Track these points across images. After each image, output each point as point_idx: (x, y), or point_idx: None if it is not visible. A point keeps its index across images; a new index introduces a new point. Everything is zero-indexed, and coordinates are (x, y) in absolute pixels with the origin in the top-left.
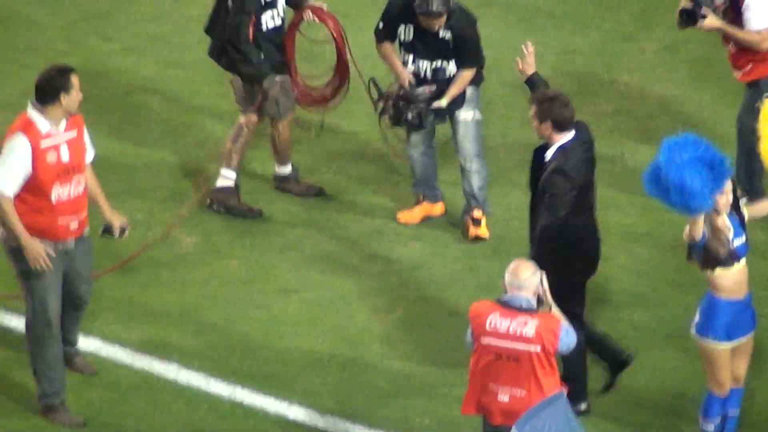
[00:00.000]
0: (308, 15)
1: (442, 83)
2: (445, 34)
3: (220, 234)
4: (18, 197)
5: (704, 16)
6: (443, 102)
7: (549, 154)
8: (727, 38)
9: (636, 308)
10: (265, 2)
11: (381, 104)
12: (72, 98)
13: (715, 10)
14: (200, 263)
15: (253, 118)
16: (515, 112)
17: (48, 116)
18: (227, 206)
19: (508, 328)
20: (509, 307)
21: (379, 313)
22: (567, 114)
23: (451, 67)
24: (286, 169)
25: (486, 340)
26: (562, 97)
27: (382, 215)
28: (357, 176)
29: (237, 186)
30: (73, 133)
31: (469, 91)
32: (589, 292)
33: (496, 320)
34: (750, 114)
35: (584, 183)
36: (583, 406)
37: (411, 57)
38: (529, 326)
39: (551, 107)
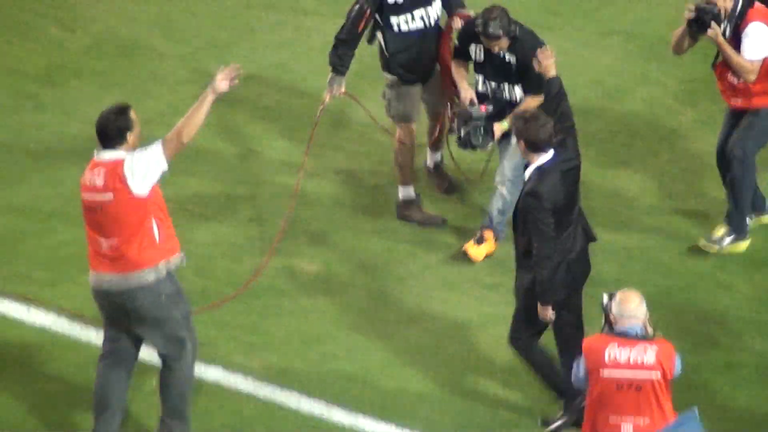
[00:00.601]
0: (456, 23)
1: (501, 104)
2: (511, 57)
3: (341, 263)
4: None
5: (712, 19)
6: (505, 124)
7: (527, 174)
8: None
9: (757, 336)
10: (396, 4)
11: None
12: (137, 134)
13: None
14: (322, 292)
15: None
16: (636, 141)
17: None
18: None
19: (629, 357)
20: (627, 336)
21: (501, 342)
22: (542, 135)
23: (517, 91)
24: (410, 192)
25: (606, 373)
26: (541, 117)
27: (503, 245)
28: (479, 204)
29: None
30: None
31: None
32: (708, 320)
33: (615, 351)
34: (741, 139)
35: (563, 204)
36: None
37: (481, 78)
38: (648, 354)
39: (526, 128)
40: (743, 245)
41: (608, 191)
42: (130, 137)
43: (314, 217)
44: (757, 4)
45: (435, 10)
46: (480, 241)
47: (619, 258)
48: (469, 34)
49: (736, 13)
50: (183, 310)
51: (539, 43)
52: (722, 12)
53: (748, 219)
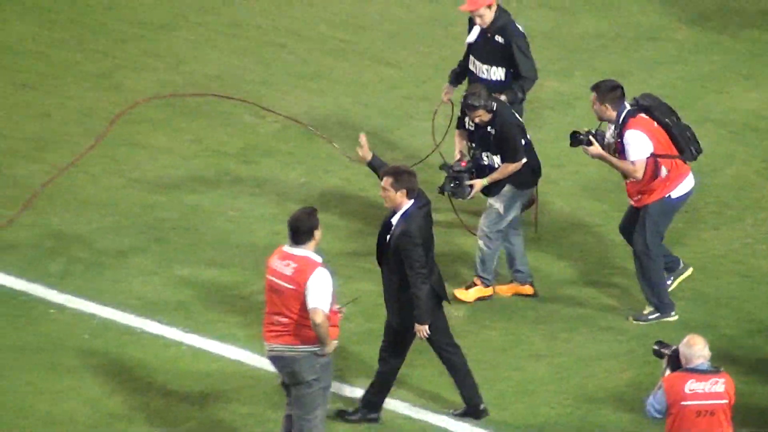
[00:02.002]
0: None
1: (480, 166)
2: (491, 130)
3: (483, 309)
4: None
5: (589, 143)
6: (484, 181)
7: (394, 220)
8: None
9: None
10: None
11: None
12: (320, 233)
13: (607, 147)
14: (466, 333)
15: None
16: (725, 209)
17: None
18: None
19: (704, 388)
20: (700, 372)
21: (612, 373)
22: (415, 183)
23: (495, 159)
24: None
25: (686, 403)
26: (411, 169)
27: (614, 292)
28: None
29: None
30: None
31: (507, 188)
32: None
33: (694, 385)
34: (641, 235)
35: (426, 240)
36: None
37: (473, 144)
38: (719, 384)
39: (408, 178)
40: (672, 318)
41: (700, 251)
42: (317, 234)
43: (460, 271)
44: (641, 115)
45: None
46: (470, 287)
47: (708, 305)
48: (462, 105)
49: (620, 122)
50: (325, 382)
51: (513, 121)
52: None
53: (668, 288)
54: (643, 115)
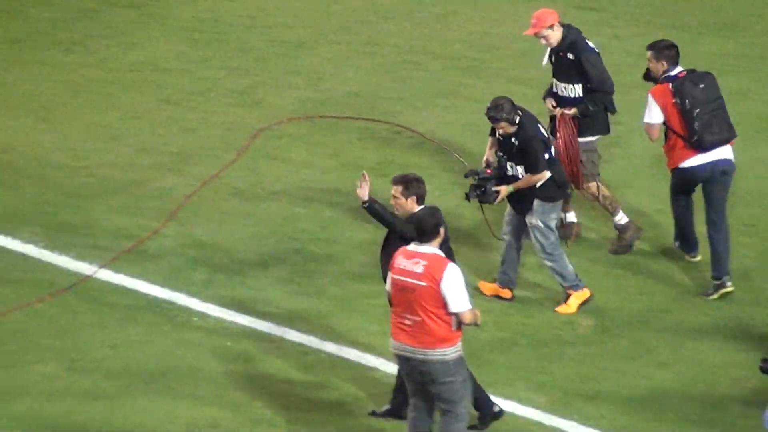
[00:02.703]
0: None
1: (505, 175)
2: (515, 141)
3: (612, 318)
4: None
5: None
6: (510, 188)
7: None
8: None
9: None
10: None
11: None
12: (444, 230)
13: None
14: (596, 342)
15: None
16: None
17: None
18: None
19: None
20: None
21: (738, 381)
22: (424, 190)
23: (519, 169)
24: (619, 218)
25: None
26: (419, 176)
27: (739, 301)
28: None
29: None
30: None
31: (536, 203)
32: None
33: None
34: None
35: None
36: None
37: (501, 153)
38: None
39: (417, 185)
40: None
41: None
42: (441, 231)
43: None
44: (668, 86)
45: None
46: (566, 299)
47: None
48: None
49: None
50: (462, 376)
51: (536, 135)
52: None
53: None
54: (670, 86)
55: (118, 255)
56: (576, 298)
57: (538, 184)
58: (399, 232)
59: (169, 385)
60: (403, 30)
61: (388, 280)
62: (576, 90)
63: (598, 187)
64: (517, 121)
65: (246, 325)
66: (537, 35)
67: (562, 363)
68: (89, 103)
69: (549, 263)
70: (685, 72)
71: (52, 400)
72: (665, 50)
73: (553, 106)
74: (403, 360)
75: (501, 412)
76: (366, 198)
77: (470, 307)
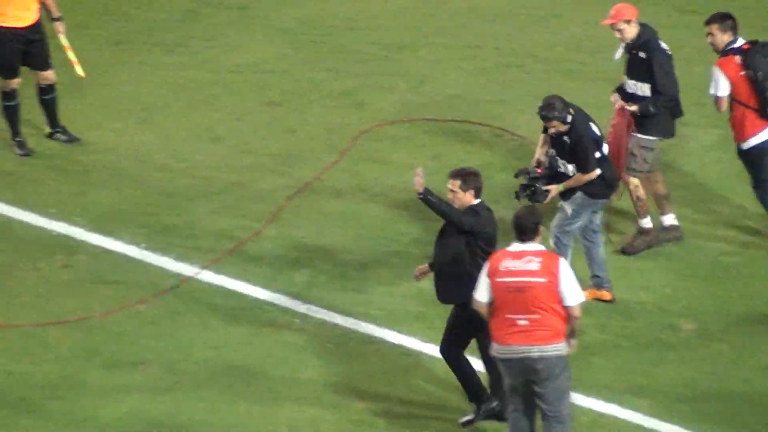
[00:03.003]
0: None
1: (557, 173)
2: (567, 139)
3: (714, 322)
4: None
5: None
6: (560, 187)
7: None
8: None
9: None
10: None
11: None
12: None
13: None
14: (697, 345)
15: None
16: None
17: None
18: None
19: None
20: None
21: None
22: (481, 183)
23: (570, 167)
24: (644, 222)
25: None
26: (477, 170)
27: None
28: None
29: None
30: None
31: (579, 194)
32: None
33: None
34: None
35: (493, 233)
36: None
37: (553, 151)
38: None
39: (475, 179)
40: None
41: None
42: (541, 229)
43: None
44: (735, 58)
45: None
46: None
47: None
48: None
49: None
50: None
51: (590, 134)
52: None
53: None
54: (737, 58)
55: (220, 256)
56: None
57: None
58: (456, 223)
59: (271, 386)
60: (505, 32)
61: (486, 288)
62: (644, 89)
63: (637, 186)
64: (569, 120)
65: (347, 327)
66: (613, 27)
67: (663, 366)
68: (191, 105)
69: (552, 243)
70: (749, 43)
71: (154, 401)
72: (730, 21)
73: (617, 101)
74: (513, 362)
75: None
76: (422, 190)
77: (583, 300)
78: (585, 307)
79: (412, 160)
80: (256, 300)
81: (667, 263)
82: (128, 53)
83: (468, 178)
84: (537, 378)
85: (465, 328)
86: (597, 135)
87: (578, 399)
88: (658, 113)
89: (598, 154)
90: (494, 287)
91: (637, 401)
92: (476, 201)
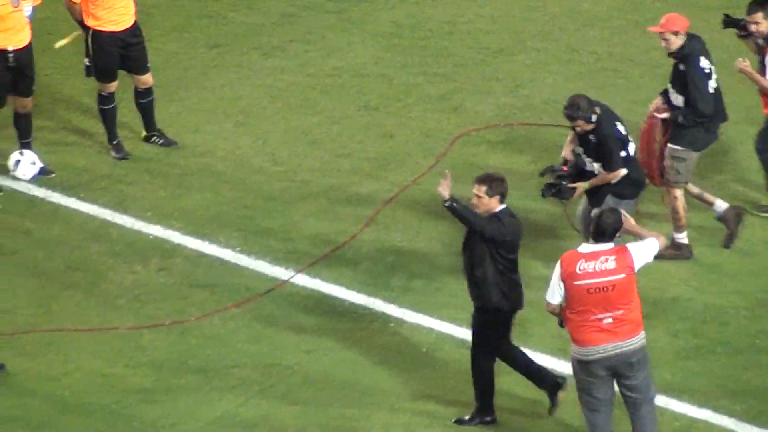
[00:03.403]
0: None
1: (582, 171)
2: (593, 138)
3: None
4: None
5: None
6: (586, 185)
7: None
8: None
9: None
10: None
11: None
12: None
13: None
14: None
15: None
16: None
17: None
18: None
19: None
20: None
21: None
22: (507, 189)
23: (595, 165)
24: (680, 237)
25: None
26: (502, 175)
27: None
28: None
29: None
30: None
31: (609, 198)
32: None
33: None
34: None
35: (515, 239)
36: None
37: (580, 149)
38: None
39: (501, 184)
40: None
41: None
42: (616, 234)
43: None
44: None
45: None
46: None
47: None
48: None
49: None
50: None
51: (615, 134)
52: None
53: None
54: None
55: (316, 260)
56: None
57: (613, 181)
58: (479, 232)
59: (364, 391)
60: (602, 37)
61: (559, 290)
62: (678, 100)
63: (676, 197)
64: (593, 119)
65: (442, 332)
66: (661, 35)
67: (758, 371)
68: (288, 108)
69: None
70: None
71: (248, 404)
72: None
73: (657, 105)
74: (602, 362)
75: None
76: (448, 197)
77: (658, 241)
78: (679, 312)
79: (509, 165)
80: (352, 304)
81: (760, 268)
82: (225, 56)
83: (494, 183)
84: (630, 372)
85: (484, 330)
86: (623, 134)
87: (671, 404)
88: (687, 125)
89: (623, 153)
90: (572, 290)
91: (730, 406)
92: (501, 207)
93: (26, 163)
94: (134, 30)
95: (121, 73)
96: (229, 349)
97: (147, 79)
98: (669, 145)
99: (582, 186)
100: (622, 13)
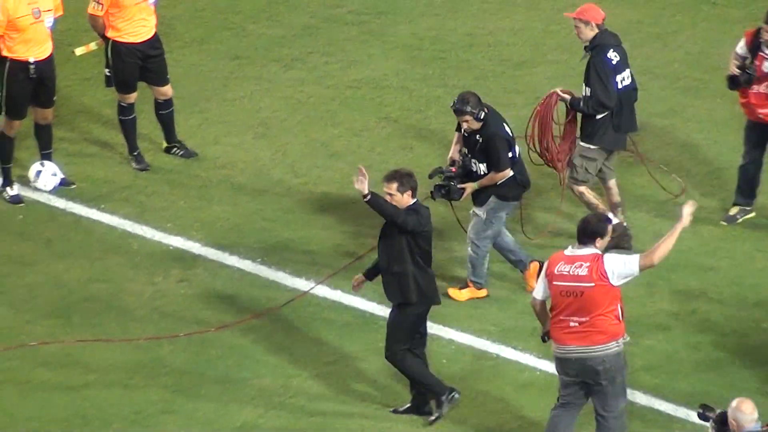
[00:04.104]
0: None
1: (469, 172)
2: (479, 138)
3: None
4: None
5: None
6: (475, 185)
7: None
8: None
9: None
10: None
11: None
12: (605, 242)
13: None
14: None
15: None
16: None
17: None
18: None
19: None
20: None
21: None
22: (416, 182)
23: (481, 166)
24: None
25: None
26: (410, 170)
27: None
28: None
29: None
30: None
31: (492, 199)
32: None
33: None
34: None
35: (427, 230)
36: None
37: (464, 148)
38: None
39: (410, 179)
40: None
41: None
42: (599, 242)
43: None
44: None
45: None
46: (463, 288)
47: None
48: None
49: None
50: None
51: (499, 132)
52: None
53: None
54: None
55: (335, 271)
56: (470, 293)
57: (500, 181)
58: (401, 224)
59: (387, 402)
60: None
61: (543, 287)
62: (587, 91)
63: (582, 192)
64: (482, 117)
65: (461, 343)
66: (573, 22)
67: None
68: (309, 120)
69: (470, 251)
70: None
71: (267, 415)
72: None
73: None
74: (570, 362)
75: (455, 397)
76: (366, 191)
77: (639, 261)
78: (698, 324)
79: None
80: (372, 315)
81: None
82: (246, 68)
83: (404, 179)
84: (597, 378)
85: (403, 326)
86: (509, 135)
87: (691, 416)
88: (586, 113)
89: (510, 154)
90: (551, 290)
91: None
92: (413, 200)
93: (47, 174)
94: (154, 42)
95: (142, 84)
96: (250, 360)
97: (166, 90)
98: (580, 143)
99: (471, 186)
100: (642, 26)
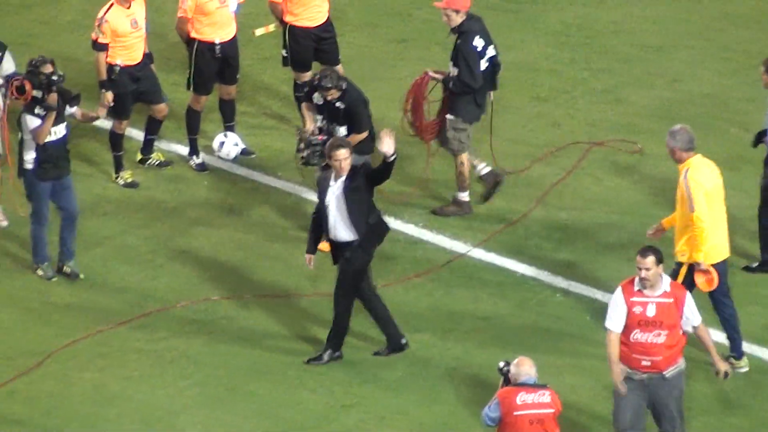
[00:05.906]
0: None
1: (330, 136)
2: (340, 105)
3: None
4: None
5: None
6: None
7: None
8: None
9: None
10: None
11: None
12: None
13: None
14: None
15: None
16: None
17: None
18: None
19: (533, 400)
20: (528, 385)
21: None
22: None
23: (342, 130)
24: (463, 195)
25: (519, 413)
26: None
27: None
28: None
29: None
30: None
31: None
32: None
33: (524, 397)
34: None
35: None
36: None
37: (320, 117)
38: (546, 396)
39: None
40: None
41: None
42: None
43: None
44: None
45: None
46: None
47: None
48: (313, 85)
49: None
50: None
51: (360, 97)
52: None
53: None
54: None
55: (490, 235)
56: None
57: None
58: (389, 176)
59: (532, 355)
60: (755, 37)
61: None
62: (454, 71)
63: (462, 162)
64: (344, 87)
65: (605, 302)
66: (443, 11)
67: None
68: None
69: None
70: None
71: (428, 365)
72: None
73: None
74: (668, 382)
75: (407, 344)
76: (394, 151)
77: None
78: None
79: (659, 150)
80: (523, 276)
81: None
82: (411, 50)
83: (350, 145)
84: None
85: (358, 273)
86: (365, 97)
87: None
88: (456, 92)
89: (367, 114)
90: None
91: None
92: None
93: (230, 144)
94: (327, 26)
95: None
96: (411, 315)
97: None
98: (448, 116)
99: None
100: None
